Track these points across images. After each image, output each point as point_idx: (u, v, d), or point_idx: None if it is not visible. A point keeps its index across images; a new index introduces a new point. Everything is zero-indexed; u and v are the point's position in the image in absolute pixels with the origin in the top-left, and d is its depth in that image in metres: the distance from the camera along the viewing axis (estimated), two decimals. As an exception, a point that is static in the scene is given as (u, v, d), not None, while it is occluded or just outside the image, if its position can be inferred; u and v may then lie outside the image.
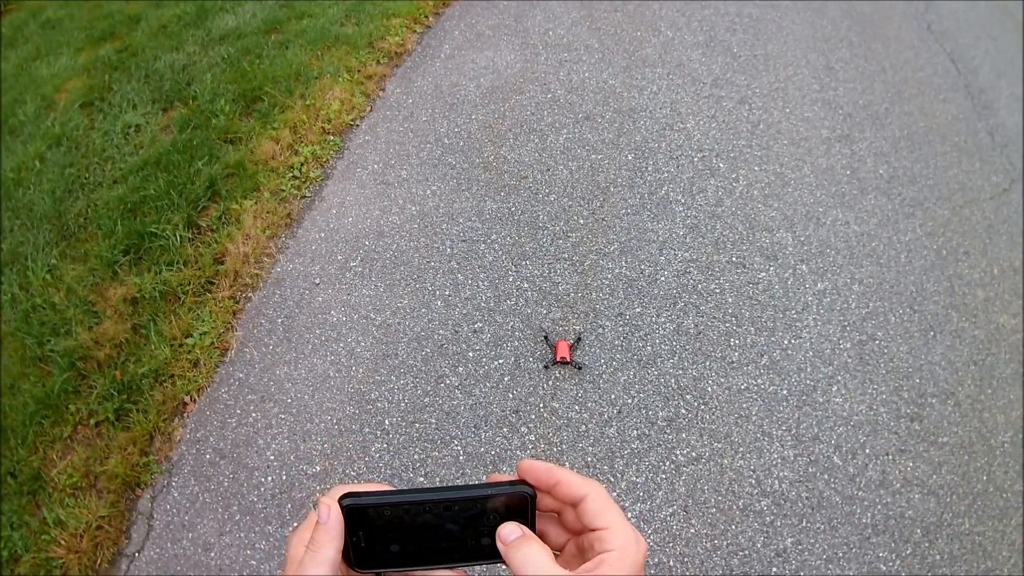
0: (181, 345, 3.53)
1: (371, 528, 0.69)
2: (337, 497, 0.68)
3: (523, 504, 0.69)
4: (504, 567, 0.66)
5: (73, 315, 3.63)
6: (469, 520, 0.70)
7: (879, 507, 3.14)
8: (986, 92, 5.61)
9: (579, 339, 3.60)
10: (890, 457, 3.30)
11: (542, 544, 0.66)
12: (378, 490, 0.70)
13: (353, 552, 0.69)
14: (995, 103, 5.51)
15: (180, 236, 3.95)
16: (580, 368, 3.49)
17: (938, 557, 3.03)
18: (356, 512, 0.67)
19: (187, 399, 3.35)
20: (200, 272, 3.80)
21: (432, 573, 0.72)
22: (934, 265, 4.13)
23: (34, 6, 6.71)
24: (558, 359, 3.48)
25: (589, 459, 3.19)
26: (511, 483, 0.70)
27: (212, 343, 3.53)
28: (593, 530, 0.66)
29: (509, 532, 0.67)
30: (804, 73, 5.44)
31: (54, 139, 4.68)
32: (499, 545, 0.68)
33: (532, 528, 0.69)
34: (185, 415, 3.31)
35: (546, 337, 3.58)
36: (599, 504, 0.66)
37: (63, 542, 2.90)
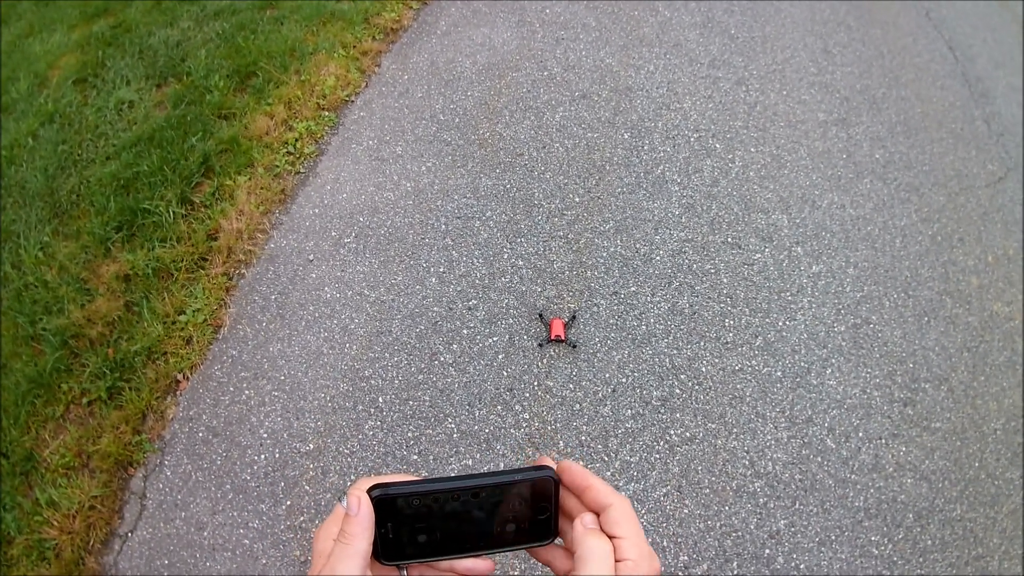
0: (174, 322, 3.52)
1: (399, 519, 0.69)
2: (365, 489, 0.68)
3: (547, 490, 0.71)
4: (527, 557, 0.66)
5: (65, 293, 3.61)
6: (494, 507, 0.70)
7: (872, 491, 3.15)
8: (983, 81, 5.61)
9: (574, 317, 3.59)
10: (883, 441, 3.31)
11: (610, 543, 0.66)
12: (404, 480, 0.69)
13: (381, 544, 0.69)
14: (992, 92, 5.51)
15: (173, 212, 3.93)
16: (574, 346, 3.48)
17: (930, 542, 3.04)
18: (385, 503, 0.68)
19: (180, 377, 3.34)
20: (193, 248, 3.78)
21: (459, 562, 0.73)
22: (929, 251, 4.13)
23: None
24: (552, 337, 3.47)
25: (583, 438, 3.19)
26: (535, 468, 0.71)
27: (205, 320, 3.51)
28: (612, 537, 0.66)
29: (592, 519, 0.68)
30: (802, 56, 5.42)
31: (47, 116, 4.65)
32: (578, 527, 0.67)
33: (555, 514, 0.71)
34: (178, 393, 3.30)
35: (540, 315, 3.57)
36: (622, 515, 0.67)
37: (56, 523, 2.89)
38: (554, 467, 0.71)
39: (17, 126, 4.64)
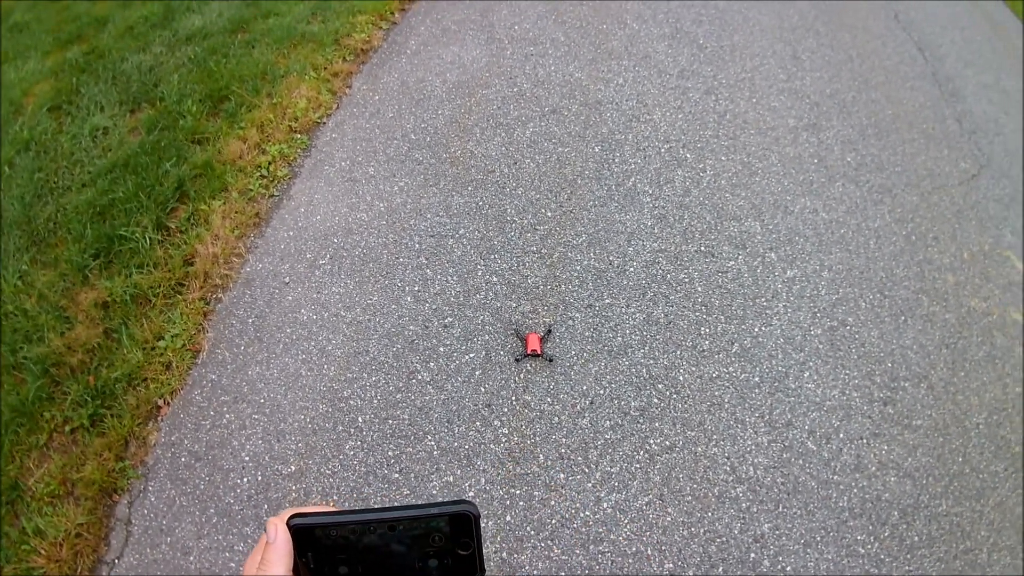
0: (153, 348, 3.52)
1: (319, 549, 0.70)
2: (286, 518, 0.69)
3: (467, 524, 0.70)
4: None
5: (45, 321, 3.61)
6: (415, 541, 0.70)
7: (855, 491, 3.17)
8: (953, 80, 5.67)
9: (549, 331, 3.60)
10: (864, 441, 3.33)
11: None
12: (326, 510, 0.70)
13: (304, 574, 0.70)
14: (963, 91, 5.56)
15: (150, 238, 3.93)
16: (551, 360, 3.50)
17: (916, 539, 3.06)
18: (303, 532, 0.69)
19: (161, 402, 3.34)
20: (170, 274, 3.79)
21: None
22: (903, 251, 4.16)
23: (2, 8, 6.66)
24: (529, 352, 3.48)
25: (563, 451, 3.20)
26: (454, 502, 0.70)
27: (184, 345, 3.52)
28: None
29: None
30: (771, 63, 5.47)
31: (22, 144, 4.64)
32: None
33: (478, 548, 0.71)
34: (159, 419, 3.30)
35: (516, 331, 3.58)
36: None
37: (43, 551, 2.89)
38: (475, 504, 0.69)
39: (-7, 154, 4.63)
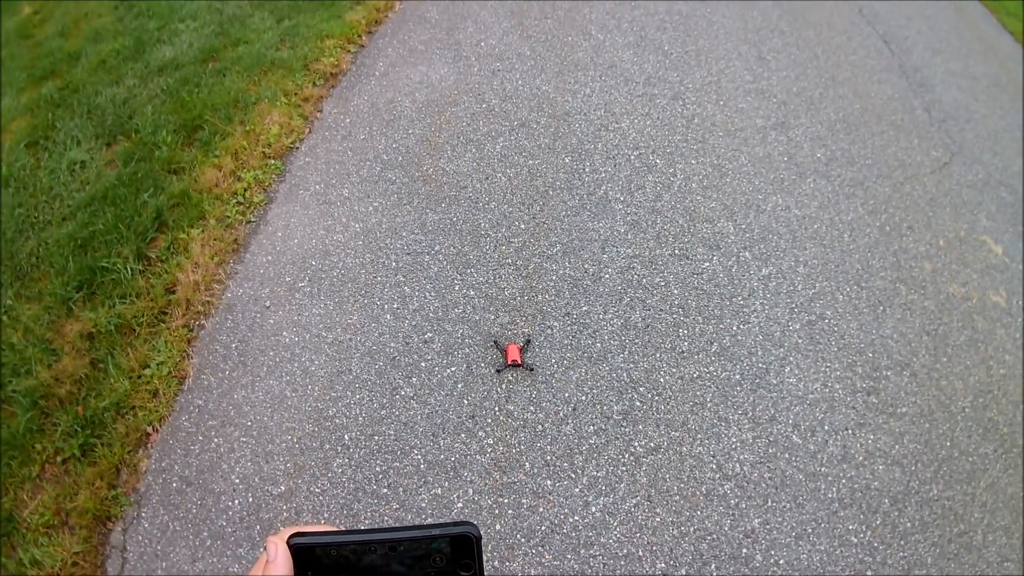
0: (140, 376, 3.54)
1: (319, 568, 0.69)
2: (285, 537, 0.68)
3: (468, 545, 0.69)
4: None
5: (32, 354, 3.63)
6: (415, 561, 0.69)
7: (844, 481, 3.22)
8: (921, 70, 5.74)
9: (528, 341, 3.63)
10: (850, 432, 3.39)
11: None
12: (326, 530, 0.69)
13: None
14: (931, 80, 5.64)
15: (131, 269, 3.95)
16: (532, 369, 3.53)
17: (909, 525, 3.11)
18: (303, 551, 0.68)
19: (149, 429, 3.36)
20: (153, 303, 3.81)
21: None
22: (878, 242, 4.22)
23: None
24: (509, 362, 3.50)
25: (548, 458, 3.24)
26: (455, 523, 0.69)
27: (170, 372, 3.54)
28: None
29: None
30: (736, 65, 5.53)
31: (2, 180, 4.65)
32: None
33: (479, 570, 0.70)
34: (149, 445, 3.31)
35: (495, 342, 3.61)
36: None
37: (41, 582, 2.91)
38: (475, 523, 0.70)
39: (-28, 192, 4.65)
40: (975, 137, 5.16)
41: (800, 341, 3.72)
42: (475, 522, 0.71)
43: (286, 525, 3.00)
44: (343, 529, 0.70)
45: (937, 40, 6.27)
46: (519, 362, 3.50)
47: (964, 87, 5.70)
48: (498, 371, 3.52)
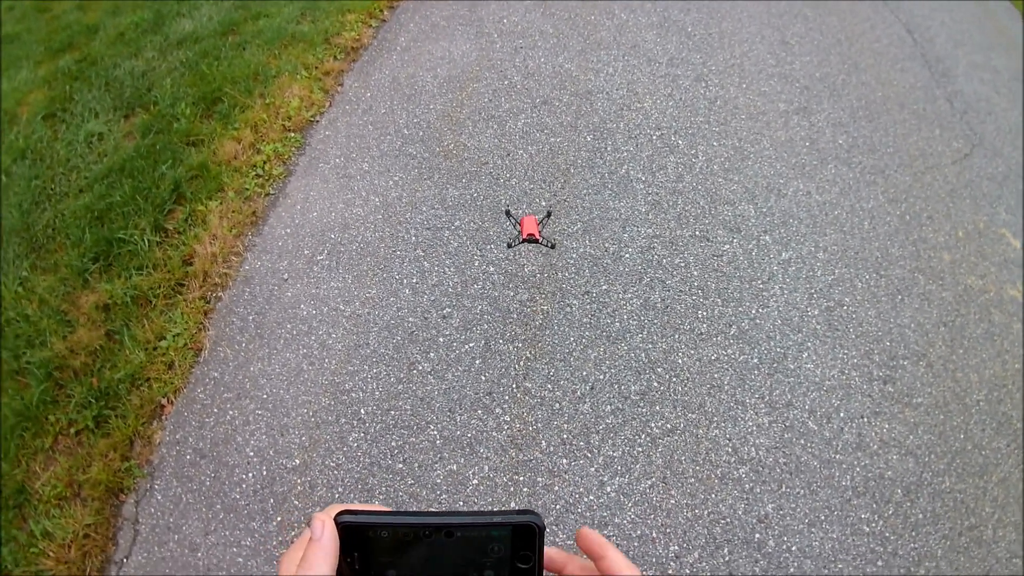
0: (155, 348, 3.53)
1: (368, 550, 0.65)
2: (333, 514, 0.64)
3: (530, 536, 0.65)
4: None
5: (47, 326, 3.63)
6: (471, 549, 0.65)
7: (858, 469, 3.20)
8: (943, 60, 5.70)
9: (549, 214, 3.44)
10: (865, 419, 3.36)
11: None
12: (377, 509, 0.65)
13: (346, 575, 0.65)
14: (953, 70, 5.59)
15: (148, 240, 3.95)
16: (553, 246, 3.34)
17: (920, 516, 3.09)
18: (353, 531, 0.64)
19: (164, 401, 3.35)
20: (170, 275, 3.80)
21: None
22: (898, 230, 4.19)
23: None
24: (525, 236, 3.34)
25: (564, 436, 3.22)
26: (519, 511, 0.65)
27: (185, 344, 3.54)
28: None
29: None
30: (760, 49, 5.49)
31: (19, 152, 4.65)
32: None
33: (539, 564, 0.66)
34: (163, 417, 3.31)
35: (508, 212, 3.40)
36: None
37: (52, 553, 2.90)
38: (538, 516, 0.65)
39: (-11, 163, 4.65)
40: (996, 130, 5.12)
41: (818, 327, 3.70)
42: (539, 512, 0.65)
43: (300, 499, 3.04)
44: (395, 510, 0.65)
45: (959, 32, 6.23)
46: (536, 236, 3.32)
47: (986, 80, 5.66)
48: (510, 246, 3.35)
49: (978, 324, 3.82)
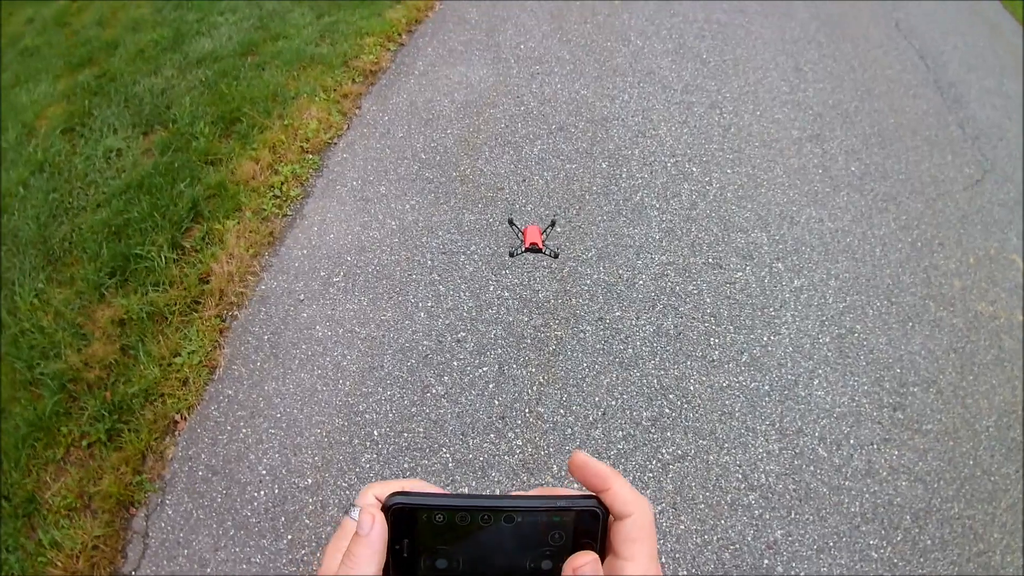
0: (170, 364, 3.55)
1: (418, 536, 0.60)
2: (373, 495, 0.60)
3: (594, 523, 0.60)
4: None
5: (62, 338, 3.65)
6: (531, 536, 0.61)
7: (867, 496, 3.21)
8: (956, 86, 5.72)
9: (553, 224, 3.39)
10: (875, 446, 3.37)
11: None
12: (431, 491, 0.61)
13: (393, 563, 0.60)
14: (965, 96, 5.61)
15: (165, 257, 3.97)
16: (556, 256, 3.27)
17: (929, 542, 3.09)
18: (404, 515, 0.59)
19: (178, 417, 3.37)
20: (186, 292, 3.82)
21: None
22: (909, 257, 4.20)
23: (12, 33, 6.73)
24: (528, 246, 3.29)
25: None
26: (584, 496, 0.61)
27: (200, 361, 3.55)
28: (619, 556, 0.59)
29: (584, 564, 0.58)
30: (773, 76, 5.52)
31: (37, 165, 4.69)
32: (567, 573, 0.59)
33: (601, 551, 0.60)
34: (176, 433, 3.32)
35: (511, 221, 3.34)
36: (636, 531, 0.59)
37: (59, 563, 2.91)
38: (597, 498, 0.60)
39: (7, 175, 4.69)
40: (1007, 155, 5.14)
41: (829, 354, 3.71)
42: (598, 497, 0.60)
43: (311, 518, 3.05)
44: (450, 492, 0.62)
45: (972, 56, 6.25)
46: (539, 246, 3.26)
47: (998, 105, 5.68)
48: (511, 255, 3.29)
49: (988, 350, 3.83)
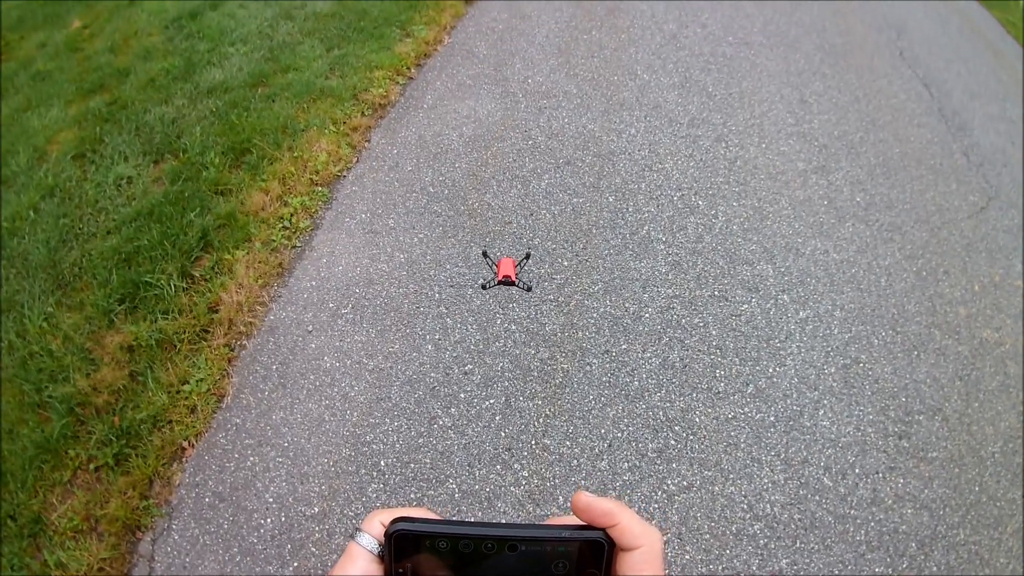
0: (178, 392, 3.57)
1: (421, 562, 0.61)
2: (386, 521, 0.62)
3: (599, 554, 0.61)
4: None
5: (71, 362, 3.67)
6: (534, 566, 0.62)
7: (872, 524, 3.21)
8: (960, 113, 5.75)
9: (528, 256, 3.37)
10: (880, 475, 3.38)
11: None
12: (435, 518, 0.63)
13: None
14: (969, 123, 5.65)
15: (175, 285, 4.00)
16: (529, 289, 3.26)
17: (935, 569, 3.10)
18: (408, 541, 0.61)
19: (185, 444, 3.38)
20: (195, 321, 3.85)
21: None
22: (914, 287, 4.22)
23: (24, 56, 6.79)
24: (501, 278, 3.29)
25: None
26: (588, 528, 0.61)
27: (209, 389, 3.57)
28: None
29: None
30: (779, 108, 5.56)
31: (47, 189, 4.73)
32: None
33: None
34: (184, 459, 3.34)
35: (485, 253, 3.33)
36: (643, 563, 0.60)
37: (64, 584, 2.93)
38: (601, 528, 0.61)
39: (18, 199, 4.73)
40: (1012, 181, 5.18)
41: (835, 384, 3.73)
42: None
43: (317, 546, 3.06)
44: (454, 520, 0.62)
45: (976, 83, 6.29)
46: (512, 279, 3.25)
47: (1002, 131, 5.71)
48: (484, 287, 3.27)
49: (994, 377, 3.85)
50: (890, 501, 3.29)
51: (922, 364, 3.85)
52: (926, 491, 3.34)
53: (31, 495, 3.22)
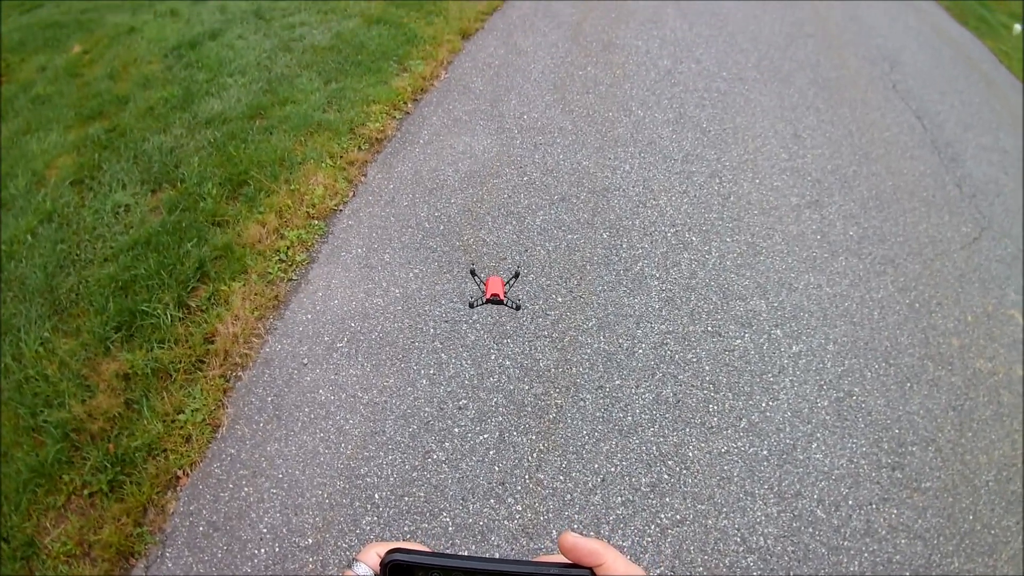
0: (173, 421, 3.57)
1: None
2: (381, 552, 0.63)
3: None
4: None
5: (66, 388, 3.67)
6: None
7: (866, 555, 3.23)
8: (952, 145, 5.80)
9: (516, 275, 3.34)
10: (873, 506, 3.40)
11: None
12: (427, 550, 0.64)
13: None
14: (962, 155, 5.71)
15: (171, 315, 4.01)
16: (518, 308, 3.25)
17: (930, 598, 3.11)
18: (402, 571, 0.62)
19: (180, 473, 3.39)
20: (191, 351, 3.86)
21: None
22: (907, 319, 4.25)
23: (24, 80, 6.79)
24: (488, 297, 3.26)
25: (575, 526, 3.25)
26: (570, 566, 0.63)
27: (204, 420, 3.58)
28: None
29: None
30: (772, 143, 5.60)
31: (45, 215, 4.74)
32: None
33: None
34: (178, 488, 3.34)
35: (473, 272, 3.30)
36: None
37: (56, 608, 2.93)
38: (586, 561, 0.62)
39: (16, 222, 4.74)
40: (1004, 211, 5.22)
41: (828, 418, 3.75)
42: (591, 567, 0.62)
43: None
44: (446, 553, 0.64)
45: (969, 114, 6.35)
46: (500, 297, 3.23)
47: (994, 161, 5.77)
48: (471, 306, 3.26)
49: (987, 406, 3.87)
50: (884, 532, 3.31)
51: (915, 395, 3.88)
52: (920, 521, 3.36)
53: (25, 518, 3.22)
